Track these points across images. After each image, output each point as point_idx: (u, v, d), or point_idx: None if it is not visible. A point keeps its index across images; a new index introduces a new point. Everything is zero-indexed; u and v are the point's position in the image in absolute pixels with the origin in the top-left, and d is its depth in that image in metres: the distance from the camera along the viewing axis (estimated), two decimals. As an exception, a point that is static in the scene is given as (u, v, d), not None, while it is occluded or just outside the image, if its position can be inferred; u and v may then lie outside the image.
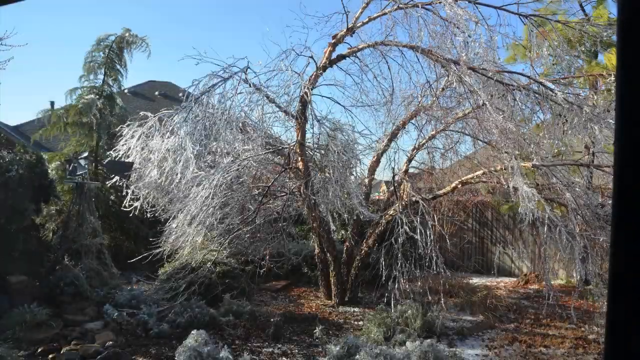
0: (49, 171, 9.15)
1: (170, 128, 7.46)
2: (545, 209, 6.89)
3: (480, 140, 9.28)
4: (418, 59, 8.11)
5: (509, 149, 7.57)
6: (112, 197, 11.53)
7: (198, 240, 7.80)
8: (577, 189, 7.50)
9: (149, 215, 8.58)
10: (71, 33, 34.16)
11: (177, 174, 7.02)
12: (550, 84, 7.04)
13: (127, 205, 8.43)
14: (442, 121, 9.26)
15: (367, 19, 8.36)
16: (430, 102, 9.20)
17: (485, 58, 7.19)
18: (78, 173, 9.00)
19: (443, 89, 8.93)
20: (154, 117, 7.87)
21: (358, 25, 8.31)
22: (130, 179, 8.26)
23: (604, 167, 8.05)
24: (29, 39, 32.95)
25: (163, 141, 7.40)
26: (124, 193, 8.70)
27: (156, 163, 7.55)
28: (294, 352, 6.33)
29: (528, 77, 7.30)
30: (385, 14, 8.17)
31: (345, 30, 8.20)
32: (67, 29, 34.36)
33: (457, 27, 6.90)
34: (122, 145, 8.10)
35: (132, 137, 8.00)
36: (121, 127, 8.37)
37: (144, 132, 7.91)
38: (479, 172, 8.70)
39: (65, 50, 34.67)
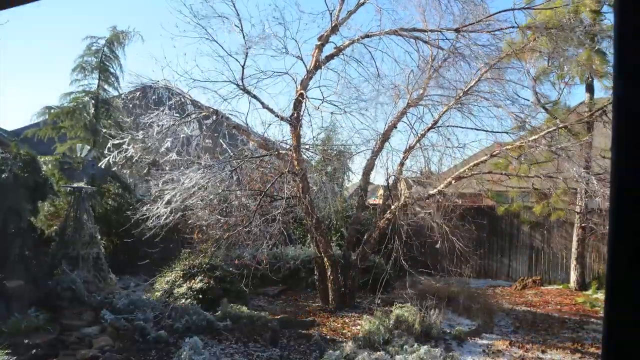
0: (43, 169, 9.09)
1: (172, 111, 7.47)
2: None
3: (478, 130, 9.18)
4: (407, 42, 8.15)
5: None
6: (110, 201, 11.50)
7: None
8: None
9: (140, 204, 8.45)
10: (70, 33, 34.15)
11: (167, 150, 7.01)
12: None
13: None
14: (432, 106, 9.25)
15: (347, 14, 8.30)
16: (425, 79, 9.16)
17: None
18: (90, 172, 9.00)
19: (429, 77, 8.96)
20: (158, 81, 7.76)
21: (341, 21, 8.27)
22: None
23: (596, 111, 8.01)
24: (27, 39, 32.91)
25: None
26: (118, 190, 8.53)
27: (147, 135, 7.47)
28: (292, 357, 6.31)
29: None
30: (362, 4, 8.18)
31: (329, 29, 8.17)
32: (65, 29, 34.39)
33: None
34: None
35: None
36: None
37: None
38: (472, 164, 8.69)
39: (66, 50, 34.60)
